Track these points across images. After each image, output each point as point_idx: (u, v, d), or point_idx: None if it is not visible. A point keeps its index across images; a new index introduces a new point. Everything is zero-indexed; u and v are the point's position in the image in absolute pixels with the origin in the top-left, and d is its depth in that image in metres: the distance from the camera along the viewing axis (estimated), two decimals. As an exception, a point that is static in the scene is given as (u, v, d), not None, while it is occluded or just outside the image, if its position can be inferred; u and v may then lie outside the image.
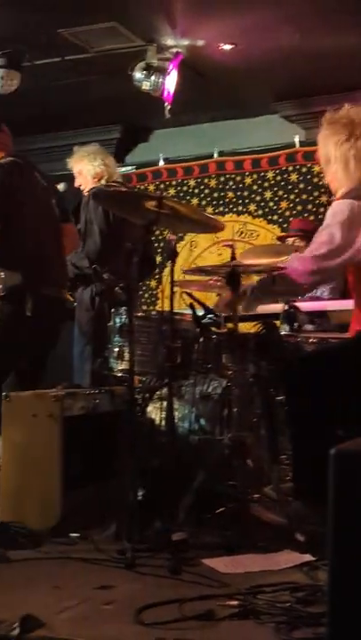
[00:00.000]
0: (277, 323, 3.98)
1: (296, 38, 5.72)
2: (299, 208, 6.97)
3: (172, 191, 7.46)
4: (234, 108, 7.10)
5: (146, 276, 6.20)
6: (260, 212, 7.14)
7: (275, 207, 7.09)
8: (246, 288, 3.44)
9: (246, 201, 7.21)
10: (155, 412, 3.69)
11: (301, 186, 6.99)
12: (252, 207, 7.17)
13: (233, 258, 3.56)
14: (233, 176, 7.29)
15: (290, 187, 7.04)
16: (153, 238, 6.84)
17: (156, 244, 7.26)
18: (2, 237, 3.79)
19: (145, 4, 5.33)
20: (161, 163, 7.58)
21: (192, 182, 7.46)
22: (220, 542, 3.06)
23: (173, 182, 7.54)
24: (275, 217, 7.08)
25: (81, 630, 2.16)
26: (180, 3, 5.23)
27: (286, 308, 4.02)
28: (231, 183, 7.28)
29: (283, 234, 6.43)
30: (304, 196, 6.97)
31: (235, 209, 7.25)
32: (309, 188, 6.95)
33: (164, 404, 3.45)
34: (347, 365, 3.18)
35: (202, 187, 7.42)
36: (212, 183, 7.36)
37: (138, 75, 5.93)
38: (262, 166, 7.18)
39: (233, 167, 7.30)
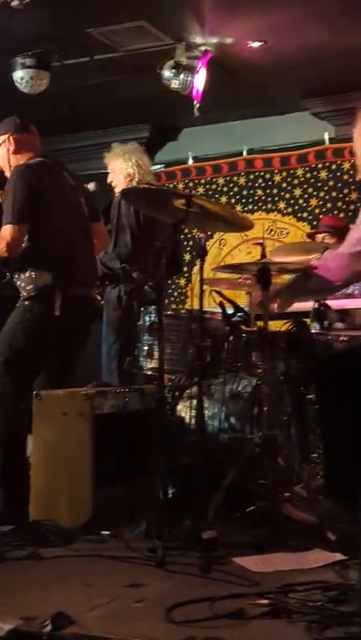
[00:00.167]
0: (308, 321, 3.97)
1: (325, 35, 5.69)
2: (329, 205, 6.93)
3: (201, 189, 7.45)
4: (263, 105, 7.07)
5: (173, 275, 6.20)
6: (289, 209, 7.12)
7: (304, 205, 7.06)
8: (280, 288, 3.43)
9: (276, 199, 7.18)
10: (184, 410, 3.70)
11: (331, 183, 6.95)
12: (281, 205, 7.15)
13: (263, 256, 3.55)
14: (262, 174, 7.26)
15: (319, 184, 7.00)
16: (182, 237, 6.86)
17: (185, 243, 7.28)
18: (31, 237, 3.80)
19: (174, 3, 5.33)
20: (190, 161, 7.57)
21: (221, 180, 7.45)
22: (250, 541, 3.06)
23: (202, 180, 7.54)
24: (304, 214, 7.05)
25: (112, 628, 2.17)
26: (209, 1, 5.22)
27: (316, 305, 4.00)
28: (260, 181, 7.26)
29: (312, 231, 6.40)
30: (334, 194, 6.93)
31: (264, 207, 7.23)
32: (339, 185, 6.91)
33: (194, 402, 3.45)
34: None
35: (231, 185, 7.40)
36: (242, 181, 7.35)
37: (167, 73, 5.93)
38: (292, 164, 7.15)
39: (262, 165, 7.27)
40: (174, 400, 3.75)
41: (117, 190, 5.01)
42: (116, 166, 5.00)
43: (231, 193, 7.39)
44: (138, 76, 6.29)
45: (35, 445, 3.60)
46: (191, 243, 7.29)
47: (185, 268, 7.28)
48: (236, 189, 7.37)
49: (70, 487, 3.45)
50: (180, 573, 2.75)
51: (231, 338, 3.65)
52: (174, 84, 5.94)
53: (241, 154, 7.35)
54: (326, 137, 6.97)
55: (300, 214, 7.07)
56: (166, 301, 6.87)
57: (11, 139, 4.00)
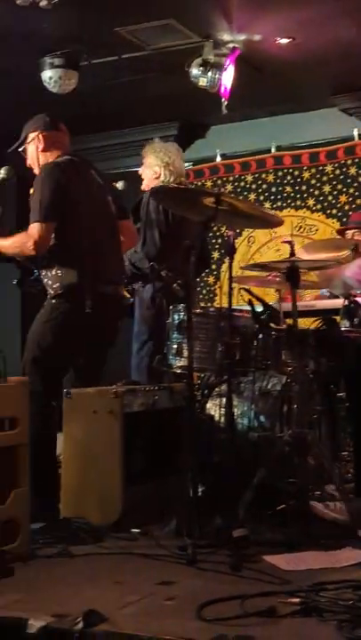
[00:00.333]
0: (337, 318, 3.95)
1: (353, 31, 5.65)
2: (358, 202, 6.89)
3: (229, 187, 7.44)
4: (291, 102, 7.04)
5: (202, 272, 6.20)
6: (318, 206, 7.08)
7: (334, 201, 7.02)
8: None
9: (305, 195, 7.15)
10: (214, 408, 3.69)
11: (361, 179, 6.92)
12: (310, 202, 7.11)
13: (292, 254, 3.54)
14: (291, 170, 7.23)
15: (349, 180, 6.96)
16: (210, 234, 6.85)
17: (213, 241, 7.28)
18: (57, 235, 3.82)
19: (201, 0, 5.32)
20: (218, 159, 7.56)
21: (249, 178, 7.43)
22: (281, 539, 3.06)
23: (231, 178, 7.52)
24: (334, 211, 7.01)
25: (143, 625, 2.18)
26: (237, -2, 5.22)
27: (346, 303, 3.98)
28: (289, 178, 7.24)
29: (342, 227, 6.37)
30: (364, 190, 6.90)
31: (293, 204, 7.21)
32: (369, 181, 6.88)
33: (224, 400, 3.45)
34: None
35: (259, 182, 7.38)
36: (270, 178, 7.32)
37: (195, 71, 5.92)
38: (320, 160, 7.11)
39: (291, 162, 7.25)
40: (204, 398, 3.75)
41: (144, 184, 5.03)
42: (147, 161, 5.02)
43: (260, 190, 7.37)
44: (166, 75, 6.29)
45: (65, 443, 3.62)
46: (220, 240, 7.29)
47: (213, 266, 7.29)
48: (264, 186, 7.35)
49: (100, 485, 3.47)
50: (210, 571, 2.75)
51: (260, 336, 3.64)
52: (202, 82, 5.93)
53: (269, 151, 7.32)
54: (356, 133, 6.92)
55: (329, 211, 7.04)
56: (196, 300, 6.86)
57: (40, 136, 4.02)
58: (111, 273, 3.96)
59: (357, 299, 4.05)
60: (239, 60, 5.92)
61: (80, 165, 4.02)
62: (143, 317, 4.75)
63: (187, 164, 7.53)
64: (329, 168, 7.05)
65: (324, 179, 7.07)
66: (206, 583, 2.63)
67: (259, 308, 3.69)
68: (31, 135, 4.05)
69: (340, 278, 3.97)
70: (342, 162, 6.99)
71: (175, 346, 3.75)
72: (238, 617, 2.22)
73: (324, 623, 2.18)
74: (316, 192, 7.10)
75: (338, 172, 7.01)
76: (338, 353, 3.61)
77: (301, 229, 7.06)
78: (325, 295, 5.02)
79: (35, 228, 3.76)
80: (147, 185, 5.03)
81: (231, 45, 5.85)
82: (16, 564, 2.82)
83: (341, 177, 6.99)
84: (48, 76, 5.92)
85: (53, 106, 4.82)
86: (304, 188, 7.16)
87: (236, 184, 7.48)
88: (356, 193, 6.91)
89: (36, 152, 4.04)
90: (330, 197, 7.04)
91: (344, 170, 6.99)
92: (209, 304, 7.16)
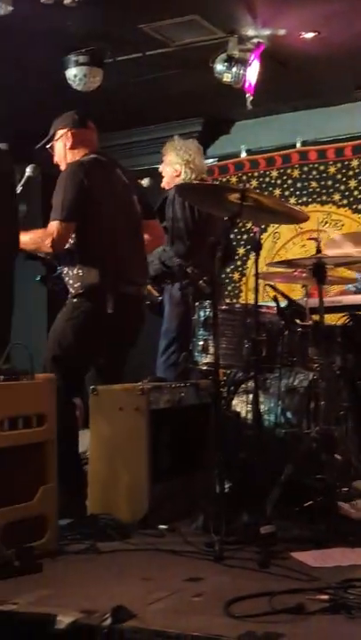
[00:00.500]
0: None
1: (378, 25, 5.62)
2: (385, 196, 6.86)
3: (254, 183, 7.41)
4: (316, 96, 7.00)
5: (226, 266, 6.20)
6: (344, 201, 7.04)
7: (360, 196, 6.97)
8: None
9: (330, 190, 7.11)
10: (240, 405, 3.69)
11: (387, 173, 6.87)
12: (336, 196, 7.07)
13: (318, 250, 3.53)
14: (316, 165, 7.19)
15: (375, 175, 6.93)
16: (235, 230, 6.84)
17: (238, 237, 7.26)
18: (79, 235, 3.83)
19: (225, -4, 5.31)
20: (243, 154, 7.54)
21: (275, 173, 7.40)
22: (308, 536, 3.05)
23: (256, 174, 7.50)
24: (360, 206, 6.97)
25: (171, 622, 2.18)
26: (261, -8, 5.19)
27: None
28: (315, 173, 7.20)
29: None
30: (390, 184, 6.85)
31: (318, 199, 7.17)
32: (396, 175, 6.83)
33: (250, 397, 3.45)
34: None
35: (285, 177, 7.35)
36: (295, 173, 7.29)
37: (219, 67, 5.90)
38: (346, 155, 7.06)
39: (316, 156, 7.21)
40: (230, 395, 3.74)
41: (164, 182, 5.03)
42: (167, 159, 5.02)
43: (285, 185, 7.34)
44: (190, 71, 6.28)
45: (92, 440, 3.63)
46: (245, 236, 7.27)
47: (238, 263, 7.27)
48: (289, 182, 7.32)
49: (127, 481, 3.48)
50: (238, 568, 2.75)
51: (287, 332, 3.63)
52: (227, 78, 5.91)
53: (294, 146, 7.29)
54: (381, 127, 6.88)
55: (355, 206, 6.99)
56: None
57: (69, 133, 4.04)
58: (133, 273, 3.95)
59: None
60: (264, 55, 5.89)
61: (106, 164, 4.03)
62: (173, 314, 4.75)
63: (211, 160, 7.54)
64: (355, 162, 7.00)
65: (350, 173, 7.02)
66: (234, 580, 2.63)
67: (284, 305, 3.68)
68: (59, 132, 4.06)
69: None
70: (368, 156, 6.96)
71: (201, 343, 3.75)
72: (267, 614, 2.22)
73: (352, 620, 2.18)
74: (342, 187, 7.05)
75: (364, 166, 6.97)
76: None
77: (327, 224, 7.02)
78: (351, 290, 4.99)
79: (54, 226, 3.78)
80: (167, 183, 5.03)
81: (256, 40, 5.83)
82: (44, 561, 2.84)
83: (367, 171, 6.96)
84: (73, 73, 5.93)
85: (78, 104, 4.82)
86: (330, 182, 7.12)
87: (261, 180, 7.45)
88: (383, 187, 6.87)
89: (63, 149, 4.06)
90: (356, 192, 6.99)
91: (370, 164, 6.95)
92: (234, 300, 7.15)
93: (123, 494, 3.47)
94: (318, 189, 7.17)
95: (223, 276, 7.00)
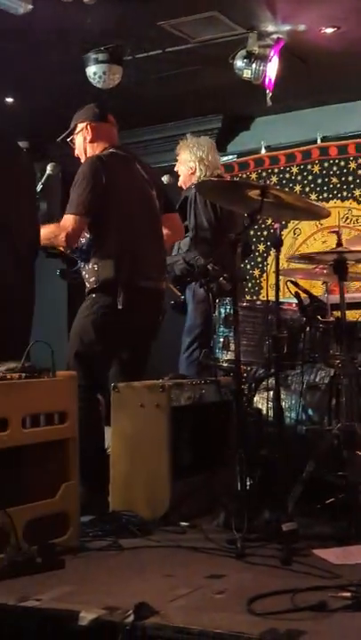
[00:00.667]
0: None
1: None
2: None
3: (274, 179, 7.40)
4: (336, 92, 6.97)
5: (245, 259, 6.19)
6: (365, 196, 7.02)
7: (381, 192, 6.95)
8: None
9: (351, 186, 7.08)
10: (261, 402, 3.68)
11: None
12: (357, 192, 7.04)
13: (339, 244, 3.50)
14: (337, 161, 7.17)
15: (396, 170, 6.89)
16: (255, 226, 6.82)
17: (258, 233, 7.24)
18: (95, 230, 3.83)
19: (245, -8, 5.29)
20: (263, 150, 7.53)
21: (295, 169, 7.38)
22: (330, 533, 3.04)
23: (276, 170, 7.48)
24: (381, 202, 6.95)
25: (193, 619, 2.18)
26: (281, -12, 5.17)
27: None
28: (335, 168, 7.17)
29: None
30: None
31: (339, 195, 7.14)
32: None
33: (271, 394, 3.44)
34: None
35: (305, 173, 7.33)
36: (316, 169, 7.27)
37: (239, 63, 5.89)
38: (367, 150, 7.04)
39: (336, 152, 7.18)
40: (251, 392, 3.73)
41: (180, 181, 5.03)
42: (182, 157, 5.03)
43: (305, 181, 7.32)
44: (210, 67, 6.28)
45: (113, 437, 3.64)
46: (265, 233, 7.26)
47: (259, 259, 7.26)
48: (310, 178, 7.30)
49: (149, 478, 3.48)
50: (260, 565, 2.75)
51: (308, 329, 3.62)
52: (246, 74, 5.90)
53: (315, 142, 7.27)
54: None
55: (376, 201, 6.97)
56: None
57: (89, 127, 4.04)
58: (150, 268, 3.95)
59: None
60: (284, 50, 5.87)
61: (124, 159, 4.03)
62: (197, 311, 4.75)
63: (231, 157, 7.53)
64: (376, 158, 6.98)
65: (371, 168, 7.00)
66: (256, 577, 2.63)
67: (305, 301, 3.66)
68: (80, 125, 4.07)
69: None
70: (389, 151, 6.92)
71: (222, 339, 3.75)
72: (289, 611, 2.21)
73: (375, 618, 2.17)
74: (363, 183, 7.03)
75: (385, 162, 6.94)
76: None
77: (348, 220, 6.99)
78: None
79: (68, 221, 3.79)
80: (183, 182, 5.03)
81: (275, 36, 5.81)
82: (66, 557, 2.84)
83: (389, 167, 6.92)
84: (92, 71, 5.94)
85: (98, 102, 4.83)
86: (351, 178, 7.09)
87: (281, 176, 7.44)
88: None
89: (83, 143, 4.06)
90: (377, 188, 6.97)
91: (391, 160, 6.91)
92: (255, 297, 7.14)
93: (144, 491, 3.48)
94: (339, 185, 7.14)
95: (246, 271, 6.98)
